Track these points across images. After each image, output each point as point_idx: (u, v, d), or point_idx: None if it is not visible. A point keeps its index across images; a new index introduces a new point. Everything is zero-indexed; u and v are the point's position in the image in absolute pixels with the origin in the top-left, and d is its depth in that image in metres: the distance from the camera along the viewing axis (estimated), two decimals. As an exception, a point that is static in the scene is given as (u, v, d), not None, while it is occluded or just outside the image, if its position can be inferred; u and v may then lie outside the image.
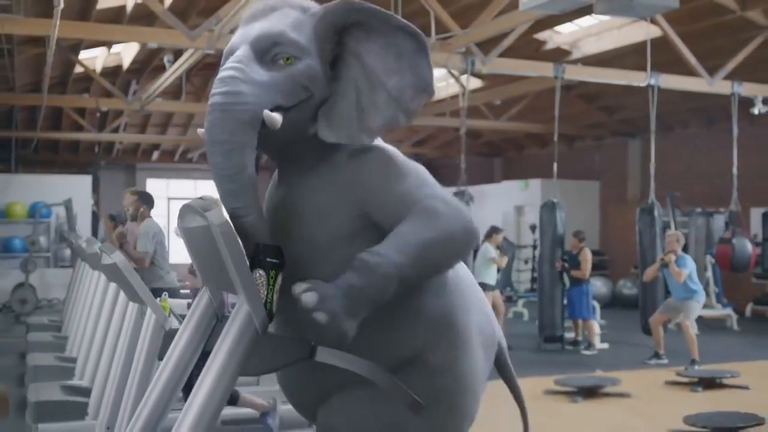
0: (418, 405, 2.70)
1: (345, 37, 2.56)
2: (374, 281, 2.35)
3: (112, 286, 5.69)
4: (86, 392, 5.44)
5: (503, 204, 17.66)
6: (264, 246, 2.69)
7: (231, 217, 2.51)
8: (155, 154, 22.33)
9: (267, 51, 2.46)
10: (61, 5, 6.20)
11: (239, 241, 2.60)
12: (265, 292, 2.74)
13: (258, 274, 2.73)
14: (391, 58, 2.56)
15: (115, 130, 18.37)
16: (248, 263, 2.64)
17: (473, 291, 2.95)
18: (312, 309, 2.30)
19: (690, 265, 8.97)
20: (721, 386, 7.67)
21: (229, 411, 5.63)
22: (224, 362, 2.67)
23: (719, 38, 11.57)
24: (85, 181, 15.87)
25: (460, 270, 2.89)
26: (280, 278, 2.73)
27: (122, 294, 5.19)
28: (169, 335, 3.25)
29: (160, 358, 3.23)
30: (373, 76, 2.56)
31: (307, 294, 2.33)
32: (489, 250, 10.28)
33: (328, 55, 2.54)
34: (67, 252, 15.33)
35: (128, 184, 21.72)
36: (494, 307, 10.36)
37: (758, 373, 8.31)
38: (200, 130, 2.50)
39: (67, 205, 13.18)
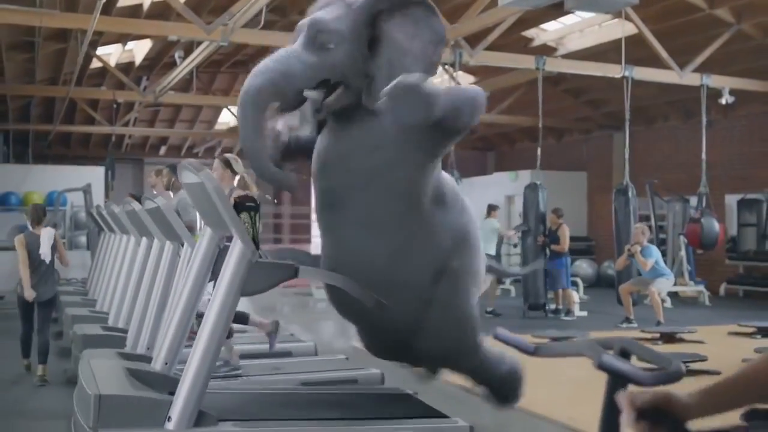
0: (380, 303, 3.65)
1: (378, 21, 3.63)
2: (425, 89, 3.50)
3: (144, 241, 6.58)
4: (122, 331, 6.32)
5: (495, 194, 18.41)
6: (242, 197, 3.94)
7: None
8: (163, 149, 23.24)
9: (314, 38, 3.54)
10: (103, -1, 7.05)
11: (225, 193, 3.76)
12: (251, 230, 3.96)
13: (243, 217, 3.91)
14: (410, 25, 3.64)
15: (126, 125, 19.27)
16: (234, 210, 3.83)
17: (475, 213, 4.17)
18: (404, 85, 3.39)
19: (655, 254, 9.85)
20: (680, 341, 8.54)
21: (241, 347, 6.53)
22: (228, 286, 3.63)
23: (690, 35, 12.40)
24: (98, 173, 16.74)
25: (466, 199, 4.08)
26: (259, 217, 3.96)
27: (154, 244, 6.08)
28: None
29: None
30: (399, 44, 3.62)
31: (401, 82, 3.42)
32: (492, 222, 11.23)
33: (365, 38, 3.61)
34: (82, 239, 16.28)
35: (136, 177, 22.71)
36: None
37: (715, 333, 9.18)
38: None
39: (86, 189, 14.05)
